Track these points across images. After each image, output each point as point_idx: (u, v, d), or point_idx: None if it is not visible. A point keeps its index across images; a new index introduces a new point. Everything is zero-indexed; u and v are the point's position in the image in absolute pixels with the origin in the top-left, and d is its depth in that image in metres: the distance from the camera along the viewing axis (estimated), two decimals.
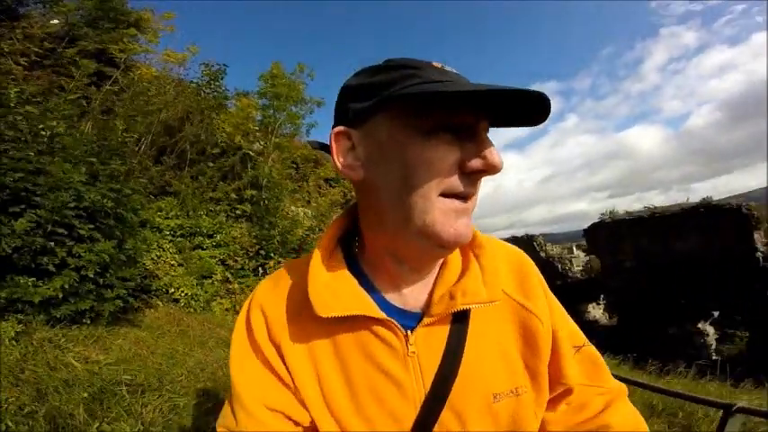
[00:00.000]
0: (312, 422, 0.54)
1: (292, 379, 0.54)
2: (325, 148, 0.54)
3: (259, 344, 0.56)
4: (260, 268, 7.42)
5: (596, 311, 16.86)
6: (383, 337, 0.53)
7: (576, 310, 15.84)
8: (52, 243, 3.65)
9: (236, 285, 6.94)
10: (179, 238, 7.01)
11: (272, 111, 10.18)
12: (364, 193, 0.55)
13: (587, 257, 18.37)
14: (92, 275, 3.90)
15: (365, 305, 0.53)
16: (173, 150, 7.75)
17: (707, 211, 11.81)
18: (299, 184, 10.93)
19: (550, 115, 0.48)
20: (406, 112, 0.47)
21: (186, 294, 6.24)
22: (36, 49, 7.12)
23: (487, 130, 0.50)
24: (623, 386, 0.67)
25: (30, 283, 3.58)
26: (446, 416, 0.53)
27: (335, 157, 0.52)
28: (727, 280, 11.09)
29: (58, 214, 3.65)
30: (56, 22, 8.10)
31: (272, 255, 7.57)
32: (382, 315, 0.53)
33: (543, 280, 0.67)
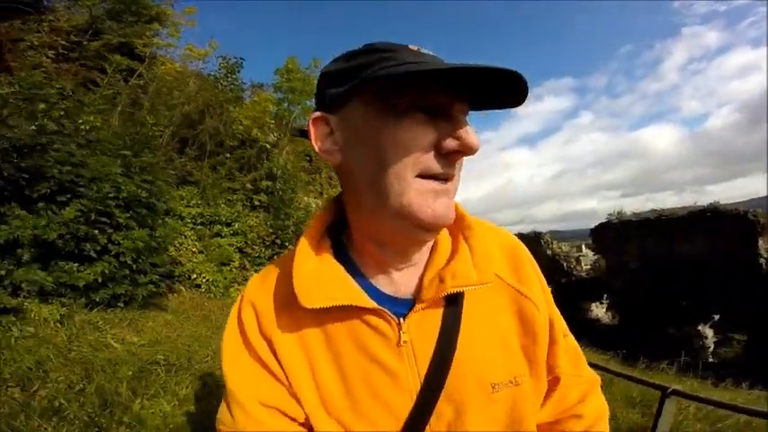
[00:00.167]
0: (307, 417, 0.53)
1: (286, 374, 0.53)
2: (305, 134, 0.54)
3: (251, 340, 0.54)
4: (275, 257, 7.70)
5: (599, 311, 16.98)
6: (375, 326, 0.52)
7: (578, 309, 16.01)
8: (96, 231, 3.93)
9: (253, 272, 7.18)
10: (199, 226, 7.32)
11: (286, 104, 10.41)
12: (344, 178, 0.55)
13: (596, 257, 18.39)
14: (129, 261, 4.19)
15: (353, 294, 0.52)
16: (194, 142, 8.02)
17: (714, 215, 11.90)
18: (313, 177, 11.19)
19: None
20: (380, 95, 0.47)
21: (207, 280, 6.56)
22: (63, 42, 7.30)
23: (466, 112, 0.50)
24: (597, 376, 0.69)
25: (74, 268, 3.87)
26: (443, 406, 0.52)
27: (314, 141, 0.52)
28: (729, 284, 11.23)
29: (102, 204, 3.93)
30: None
31: (286, 244, 7.86)
32: (372, 304, 0.51)
33: (536, 265, 0.66)
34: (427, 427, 0.52)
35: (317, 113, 0.53)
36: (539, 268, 0.66)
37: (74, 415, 2.74)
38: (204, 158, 8.17)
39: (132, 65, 7.41)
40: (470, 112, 0.51)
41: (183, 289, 6.27)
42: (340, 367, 0.52)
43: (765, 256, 10.92)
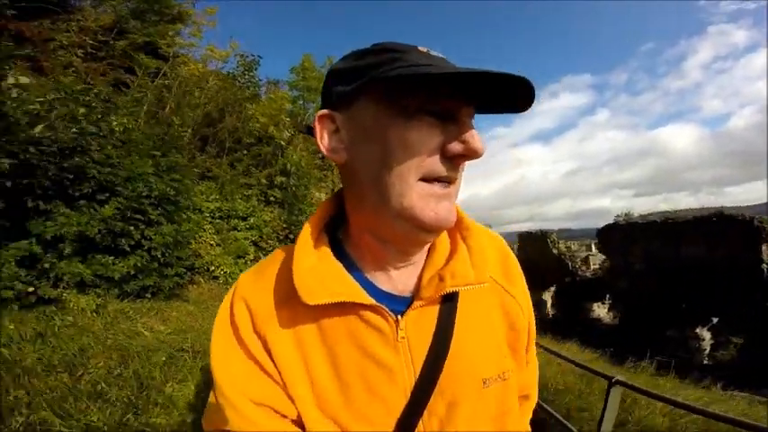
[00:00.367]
0: (299, 415, 0.52)
1: (279, 371, 0.53)
2: (312, 131, 0.54)
3: (243, 337, 0.54)
4: None
5: (600, 310, 17.08)
6: (373, 322, 0.53)
7: (581, 309, 16.25)
8: (131, 227, 4.28)
9: None
10: (217, 220, 7.67)
11: (301, 102, 10.68)
12: (347, 176, 0.55)
13: (605, 257, 18.47)
14: (159, 255, 4.54)
15: (353, 291, 0.52)
16: (213, 140, 8.35)
17: (719, 220, 11.95)
18: (325, 173, 11.49)
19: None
20: (388, 96, 0.48)
21: (225, 272, 6.90)
22: (91, 42, 7.54)
23: (472, 116, 0.50)
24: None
25: (110, 261, 4.23)
26: (436, 401, 0.53)
27: (319, 139, 0.53)
28: (731, 288, 11.32)
29: (136, 202, 4.28)
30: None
31: None
32: (371, 301, 0.52)
33: (521, 271, 0.68)
34: (420, 422, 0.53)
35: (324, 111, 0.53)
36: (523, 275, 0.69)
37: (115, 397, 3.03)
38: (223, 155, 8.53)
39: (158, 64, 7.68)
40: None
41: (203, 281, 6.62)
42: (335, 363, 0.53)
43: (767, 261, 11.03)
